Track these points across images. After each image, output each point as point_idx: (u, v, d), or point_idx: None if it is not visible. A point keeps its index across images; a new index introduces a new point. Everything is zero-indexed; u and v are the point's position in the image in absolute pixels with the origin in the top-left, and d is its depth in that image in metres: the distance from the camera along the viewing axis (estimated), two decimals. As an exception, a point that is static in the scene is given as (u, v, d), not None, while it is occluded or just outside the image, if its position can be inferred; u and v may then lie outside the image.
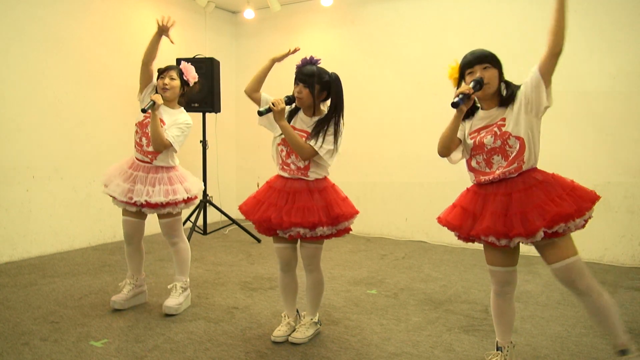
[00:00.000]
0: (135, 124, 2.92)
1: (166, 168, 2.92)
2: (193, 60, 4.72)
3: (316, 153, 2.37)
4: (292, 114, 2.51)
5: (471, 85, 1.97)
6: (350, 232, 2.51)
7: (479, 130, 2.07)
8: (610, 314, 1.91)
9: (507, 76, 2.08)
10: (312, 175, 2.44)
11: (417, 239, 4.94)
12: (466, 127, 2.13)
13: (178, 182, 2.90)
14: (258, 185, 2.64)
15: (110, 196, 2.89)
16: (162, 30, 2.78)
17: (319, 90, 2.42)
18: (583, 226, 1.95)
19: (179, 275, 2.96)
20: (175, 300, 2.87)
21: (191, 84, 2.98)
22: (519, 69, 4.02)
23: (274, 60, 2.52)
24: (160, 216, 2.91)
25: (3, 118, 3.89)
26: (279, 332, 2.53)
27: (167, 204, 2.82)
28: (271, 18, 5.70)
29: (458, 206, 2.12)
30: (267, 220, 2.38)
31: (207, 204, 4.98)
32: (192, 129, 2.96)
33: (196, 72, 5.04)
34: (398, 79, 4.99)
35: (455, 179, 4.65)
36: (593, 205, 1.94)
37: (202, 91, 4.69)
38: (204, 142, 4.88)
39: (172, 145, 2.82)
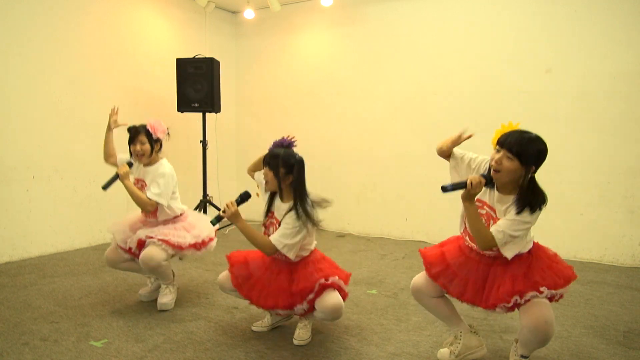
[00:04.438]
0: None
1: (172, 219, 3.01)
2: (193, 60, 4.72)
3: (277, 249, 2.33)
4: (271, 198, 2.48)
5: (475, 181, 1.93)
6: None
7: (484, 203, 2.08)
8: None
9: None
10: (296, 258, 2.42)
11: (417, 239, 4.94)
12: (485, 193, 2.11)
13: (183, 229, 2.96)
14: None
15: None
16: (112, 124, 3.04)
17: (284, 174, 2.36)
18: (552, 299, 1.97)
19: (164, 282, 2.98)
20: (168, 297, 2.96)
21: (162, 138, 3.00)
22: (519, 69, 4.03)
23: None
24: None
25: (3, 118, 3.89)
26: (260, 322, 2.64)
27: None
28: (271, 18, 5.70)
29: (445, 255, 2.25)
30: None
31: (207, 204, 4.98)
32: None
33: (196, 72, 5.04)
34: (398, 79, 4.99)
35: (455, 179, 4.66)
36: (567, 284, 1.98)
37: (202, 91, 4.70)
38: (204, 142, 4.87)
39: (157, 204, 2.88)
